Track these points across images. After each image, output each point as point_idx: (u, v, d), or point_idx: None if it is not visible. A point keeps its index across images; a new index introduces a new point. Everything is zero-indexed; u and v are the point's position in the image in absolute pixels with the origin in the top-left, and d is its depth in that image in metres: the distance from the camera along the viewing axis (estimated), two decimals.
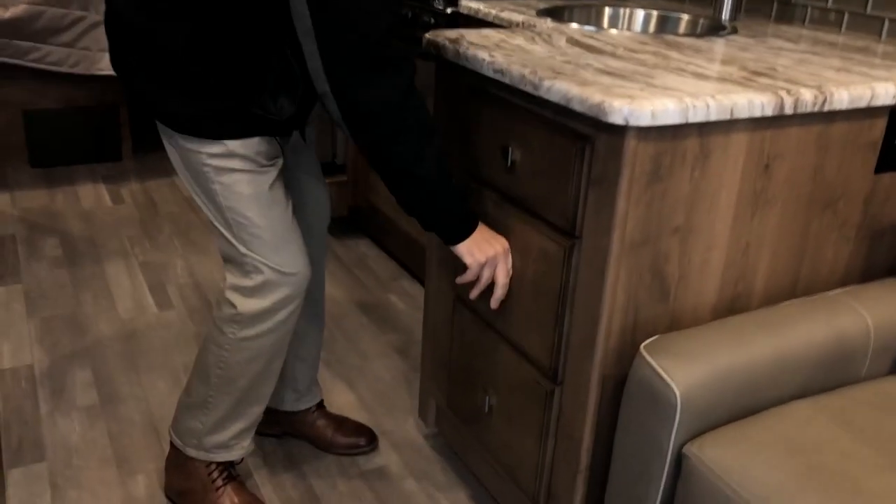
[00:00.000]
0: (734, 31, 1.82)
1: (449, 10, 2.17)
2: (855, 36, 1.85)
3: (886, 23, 1.80)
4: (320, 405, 1.92)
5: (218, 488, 1.67)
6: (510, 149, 1.38)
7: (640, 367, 1.22)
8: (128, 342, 2.30)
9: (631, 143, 1.16)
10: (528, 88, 1.29)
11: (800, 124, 1.30)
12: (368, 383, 2.18)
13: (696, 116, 1.16)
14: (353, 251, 2.94)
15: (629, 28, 2.08)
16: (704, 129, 1.21)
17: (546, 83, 1.25)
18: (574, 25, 1.76)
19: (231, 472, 1.69)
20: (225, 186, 1.44)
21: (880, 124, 1.39)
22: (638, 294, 1.28)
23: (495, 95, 1.44)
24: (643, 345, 1.24)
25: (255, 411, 1.64)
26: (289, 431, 1.92)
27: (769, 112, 1.23)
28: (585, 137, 1.23)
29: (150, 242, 2.93)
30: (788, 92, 1.24)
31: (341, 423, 1.92)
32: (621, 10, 2.09)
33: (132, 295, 2.56)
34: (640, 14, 2.08)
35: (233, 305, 1.50)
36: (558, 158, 1.28)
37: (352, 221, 3.06)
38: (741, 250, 1.35)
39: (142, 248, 2.89)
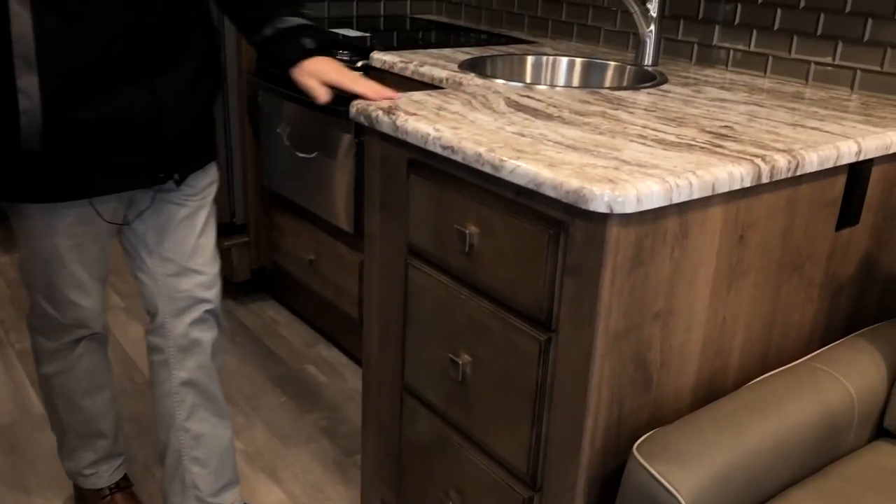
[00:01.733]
0: (664, 79, 1.76)
1: (360, 64, 2.01)
2: (781, 80, 1.83)
3: (812, 67, 1.78)
4: None
5: (104, 496, 1.76)
6: (467, 232, 1.24)
7: (636, 473, 1.10)
8: (10, 454, 2.00)
9: (613, 231, 1.05)
10: (488, 169, 1.16)
11: (771, 190, 1.23)
12: (296, 475, 1.97)
13: (680, 196, 1.06)
14: (261, 317, 2.72)
15: (554, 79, 1.99)
16: (684, 208, 1.11)
17: (508, 165, 1.12)
18: (501, 82, 1.65)
19: (120, 482, 1.78)
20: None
21: (841, 181, 1.34)
22: (622, 387, 1.16)
23: (443, 172, 1.29)
24: (636, 447, 1.12)
25: (101, 445, 1.71)
26: None
27: (748, 183, 1.15)
28: (558, 223, 1.10)
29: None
30: (764, 160, 1.16)
31: None
32: (543, 59, 2.00)
33: (11, 393, 2.25)
34: (562, 63, 1.99)
35: (32, 339, 1.60)
36: (526, 244, 1.15)
37: (256, 284, 2.83)
38: (718, 326, 1.26)
39: (18, 333, 2.55)
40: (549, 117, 1.36)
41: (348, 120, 2.08)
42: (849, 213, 1.39)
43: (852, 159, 1.30)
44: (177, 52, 1.35)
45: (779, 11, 1.82)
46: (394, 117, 1.34)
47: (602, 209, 1.01)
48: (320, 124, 2.19)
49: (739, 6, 1.89)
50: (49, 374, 1.61)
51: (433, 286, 1.35)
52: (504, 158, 1.13)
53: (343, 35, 2.24)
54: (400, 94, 1.47)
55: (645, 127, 1.33)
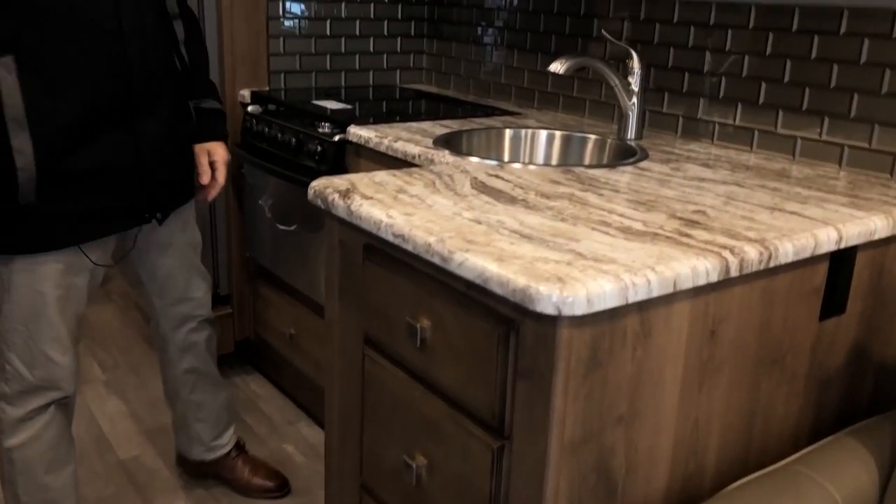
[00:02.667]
0: (645, 154, 1.70)
1: (337, 138, 1.97)
2: (768, 155, 1.77)
3: (799, 142, 1.72)
4: (241, 450, 2.10)
5: None
6: (418, 326, 1.17)
7: None
8: None
9: (564, 333, 0.97)
10: (437, 260, 1.09)
11: (744, 282, 1.15)
12: None
13: (637, 295, 0.99)
14: (243, 391, 2.64)
15: (533, 153, 1.93)
16: (644, 305, 1.03)
17: (457, 257, 1.05)
18: (475, 160, 1.59)
19: None
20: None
21: (822, 269, 1.26)
22: (582, 499, 1.07)
23: (397, 259, 1.23)
24: None
25: None
26: (213, 476, 2.10)
27: (714, 278, 1.07)
28: (508, 321, 1.03)
29: None
30: (732, 252, 1.09)
31: (257, 467, 2.10)
32: (522, 133, 1.95)
33: None
34: (541, 136, 1.94)
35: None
36: (478, 342, 1.08)
37: (240, 356, 2.76)
38: (690, 427, 1.17)
39: None
40: (512, 201, 1.30)
41: None
42: (833, 301, 1.30)
43: (832, 248, 1.22)
44: (151, 100, 1.52)
45: (763, 86, 1.76)
46: (349, 201, 1.28)
47: (550, 311, 0.94)
48: (300, 197, 2.14)
49: (724, 80, 1.84)
50: (12, 446, 1.60)
51: (389, 380, 1.27)
52: (452, 250, 1.06)
53: (323, 107, 2.21)
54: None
55: (612, 212, 1.26)
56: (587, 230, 1.15)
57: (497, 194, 1.34)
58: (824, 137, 1.67)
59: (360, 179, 1.41)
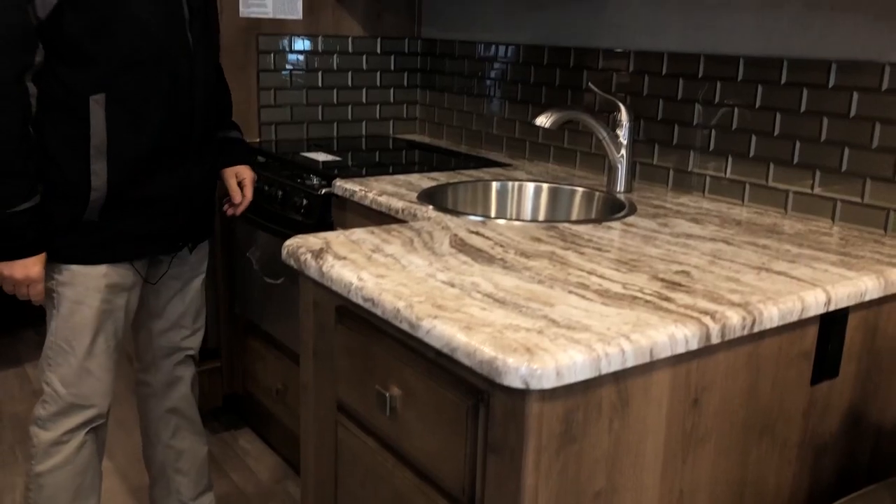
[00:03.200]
0: (633, 209, 1.67)
1: (323, 192, 1.95)
2: (760, 209, 1.73)
3: (791, 196, 1.68)
4: None
5: None
6: (387, 394, 1.12)
7: None
8: None
9: (534, 407, 0.92)
10: (405, 327, 1.05)
11: (728, 349, 1.10)
12: None
13: (610, 366, 0.94)
14: (231, 447, 2.57)
15: (520, 207, 1.90)
16: (621, 376, 0.99)
17: (425, 324, 1.01)
18: (458, 216, 1.56)
19: None
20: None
21: (812, 332, 1.21)
22: None
23: (368, 323, 1.19)
24: None
25: None
26: None
27: (694, 345, 1.02)
28: (478, 392, 0.98)
29: None
30: (713, 317, 1.04)
31: None
32: (509, 186, 1.92)
33: None
34: (529, 189, 1.91)
35: (31, 438, 1.70)
36: (447, 414, 1.03)
37: (229, 411, 2.70)
38: (675, 500, 1.11)
39: None
40: (490, 260, 1.26)
41: None
42: (825, 364, 1.25)
43: (821, 311, 1.17)
44: (203, 143, 1.75)
45: (753, 138, 1.73)
46: (321, 262, 1.24)
47: (518, 384, 0.89)
48: None
49: (714, 132, 1.81)
50: (42, 472, 1.70)
51: (361, 450, 1.22)
52: (420, 317, 1.02)
53: (312, 159, 2.19)
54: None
55: (591, 273, 1.22)
56: (563, 293, 1.11)
57: (475, 253, 1.30)
58: (816, 191, 1.63)
59: (335, 238, 1.37)
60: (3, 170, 1.52)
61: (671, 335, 0.99)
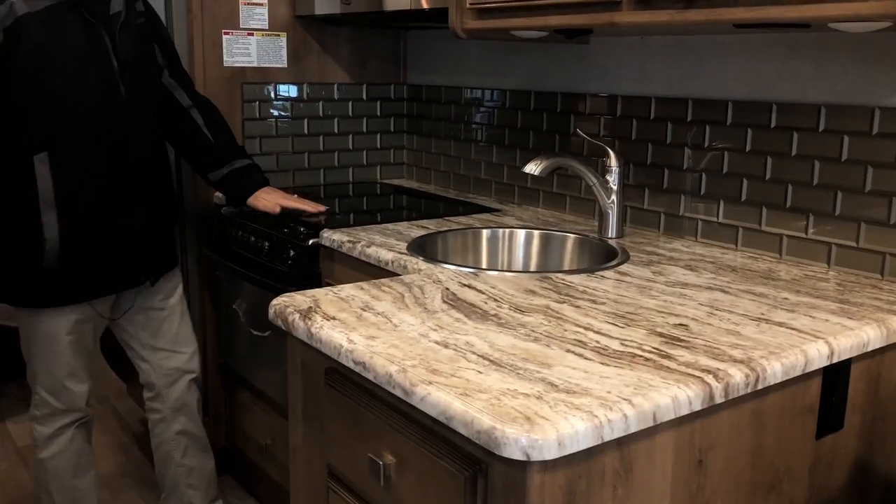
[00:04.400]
0: (626, 256, 1.64)
1: (310, 242, 1.92)
2: (754, 253, 1.71)
3: (785, 240, 1.66)
4: None
5: None
6: (381, 463, 1.08)
7: None
8: None
9: (535, 479, 0.88)
10: (399, 393, 1.01)
11: (731, 406, 1.07)
12: None
13: (613, 433, 0.91)
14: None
15: (511, 254, 1.87)
16: (624, 441, 0.95)
17: (419, 391, 0.97)
18: (450, 267, 1.53)
19: None
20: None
21: (815, 385, 1.18)
22: None
23: (360, 387, 1.15)
24: None
25: None
26: None
27: (697, 406, 0.99)
28: (476, 462, 0.94)
29: None
30: (716, 376, 1.01)
31: None
32: (500, 233, 1.89)
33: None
34: (520, 236, 1.89)
35: (33, 431, 1.92)
36: (444, 485, 0.98)
37: (217, 465, 2.63)
38: None
39: None
40: (483, 317, 1.23)
41: None
42: (829, 418, 1.22)
43: (824, 363, 1.14)
44: (144, 190, 1.83)
45: (745, 182, 1.72)
46: (310, 323, 1.21)
47: (518, 456, 0.85)
48: None
49: (704, 176, 1.80)
50: (45, 458, 1.94)
51: None
52: (414, 383, 0.98)
53: (301, 209, 2.16)
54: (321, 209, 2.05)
55: (588, 328, 1.18)
56: (561, 352, 1.08)
57: (468, 309, 1.27)
58: (811, 235, 1.62)
59: (324, 296, 1.34)
60: None
61: (674, 397, 0.96)
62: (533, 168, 1.73)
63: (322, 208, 2.06)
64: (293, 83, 2.45)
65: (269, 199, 2.06)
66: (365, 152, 2.66)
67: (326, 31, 2.46)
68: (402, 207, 2.27)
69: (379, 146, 2.68)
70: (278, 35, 2.37)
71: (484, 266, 1.89)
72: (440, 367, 1.02)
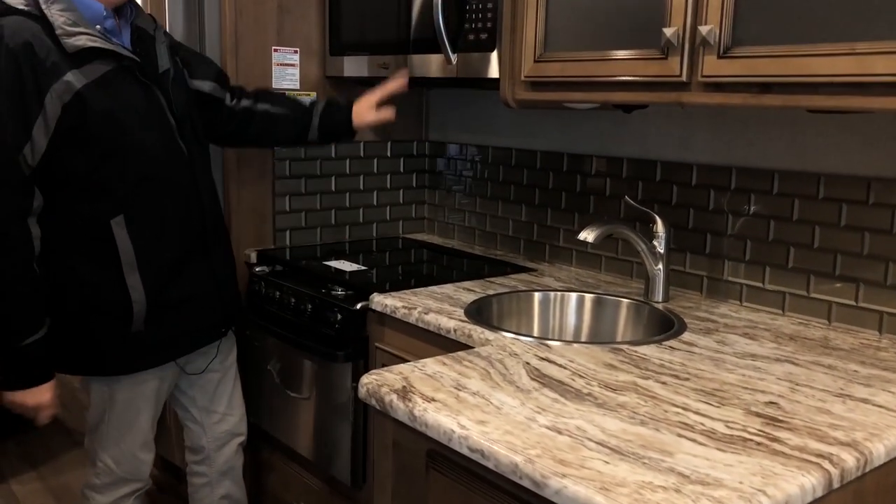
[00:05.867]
0: (682, 325, 1.68)
1: (359, 306, 1.92)
2: (802, 319, 1.76)
3: (834, 307, 1.72)
4: None
5: None
6: None
7: None
8: None
9: None
10: (527, 484, 1.02)
11: (840, 490, 1.10)
12: None
13: None
14: None
15: (564, 320, 1.90)
16: None
17: (553, 483, 0.98)
18: (515, 337, 1.55)
19: None
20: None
21: None
22: None
23: (472, 472, 1.15)
24: None
25: None
26: None
27: (819, 493, 1.02)
28: None
29: None
30: (832, 462, 1.04)
31: None
32: (551, 296, 1.92)
33: None
34: (571, 300, 1.92)
35: (88, 499, 1.87)
36: None
37: None
38: None
39: None
40: (578, 396, 1.25)
41: (345, 362, 1.97)
42: None
43: None
44: (218, 238, 1.88)
45: (791, 250, 1.77)
46: (411, 405, 1.21)
47: None
48: (316, 365, 2.06)
49: (749, 242, 1.85)
50: None
51: None
52: (546, 475, 1.00)
53: (338, 269, 2.17)
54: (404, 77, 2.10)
55: (686, 408, 1.21)
56: (673, 437, 1.10)
57: (560, 388, 1.29)
58: (861, 304, 1.67)
59: (410, 372, 1.35)
60: (13, 306, 1.62)
61: (801, 486, 0.99)
62: (587, 235, 1.77)
63: (401, 79, 2.09)
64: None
65: (368, 113, 2.10)
66: (388, 208, 2.68)
67: (354, 90, 2.47)
68: (441, 265, 2.29)
69: (402, 201, 2.70)
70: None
71: (539, 331, 1.91)
72: (565, 457, 1.04)
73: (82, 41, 1.58)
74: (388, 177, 2.66)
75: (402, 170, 2.68)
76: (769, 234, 1.81)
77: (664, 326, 1.70)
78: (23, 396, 1.68)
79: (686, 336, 1.61)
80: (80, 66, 1.59)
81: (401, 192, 2.70)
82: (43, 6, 1.58)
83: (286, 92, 2.34)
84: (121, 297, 1.69)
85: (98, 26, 1.65)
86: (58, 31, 1.57)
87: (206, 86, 1.97)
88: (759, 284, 1.84)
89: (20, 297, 1.62)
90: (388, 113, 2.12)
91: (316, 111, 2.10)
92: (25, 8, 1.59)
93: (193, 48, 2.12)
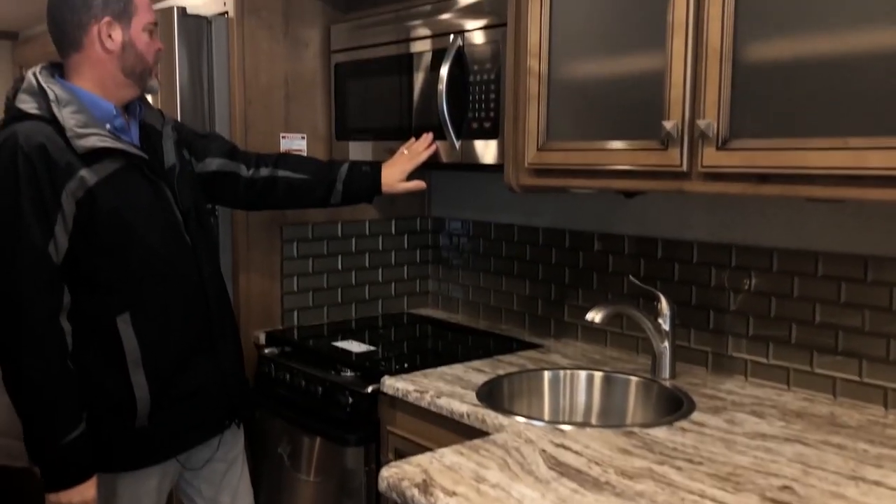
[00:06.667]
0: (691, 404, 1.71)
1: (370, 389, 1.94)
2: (808, 395, 1.79)
3: (839, 383, 1.75)
4: None
5: None
6: None
7: None
8: None
9: None
10: None
11: None
12: None
13: None
14: None
15: (574, 399, 1.93)
16: None
17: None
18: (528, 422, 1.57)
19: None
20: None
21: None
22: None
23: None
24: None
25: None
26: None
27: None
28: None
29: None
30: None
31: None
32: (560, 374, 1.95)
33: None
34: (581, 378, 1.95)
35: None
36: None
37: None
38: None
39: None
40: (597, 486, 1.27)
41: (357, 446, 1.98)
42: None
43: None
44: (224, 329, 1.87)
45: (794, 326, 1.82)
46: (433, 499, 1.23)
47: None
48: (327, 448, 2.07)
49: (751, 319, 1.89)
50: None
51: None
52: None
53: (346, 350, 2.20)
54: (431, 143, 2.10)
55: (703, 495, 1.24)
56: None
57: (577, 476, 1.31)
58: (865, 379, 1.71)
59: (429, 464, 1.37)
60: (50, 405, 1.60)
61: None
62: (594, 316, 1.81)
63: (428, 143, 2.09)
64: (329, 223, 2.52)
65: (400, 180, 2.10)
66: (393, 284, 2.72)
67: None
68: (448, 343, 2.32)
69: (406, 277, 2.75)
70: None
71: (550, 411, 1.94)
72: None
73: (92, 142, 1.62)
74: (393, 253, 2.71)
75: (406, 246, 2.73)
76: (771, 311, 1.86)
77: (674, 405, 1.73)
78: (68, 496, 1.63)
79: (696, 416, 1.64)
80: (91, 165, 1.63)
81: (405, 267, 2.74)
82: (55, 109, 1.62)
83: None
84: (125, 394, 1.68)
85: (108, 125, 1.69)
86: (68, 133, 1.61)
87: (213, 164, 2.00)
88: (764, 360, 1.88)
89: (58, 396, 1.61)
90: (421, 183, 2.13)
91: (339, 176, 2.09)
92: (38, 112, 1.62)
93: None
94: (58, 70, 1.72)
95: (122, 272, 1.68)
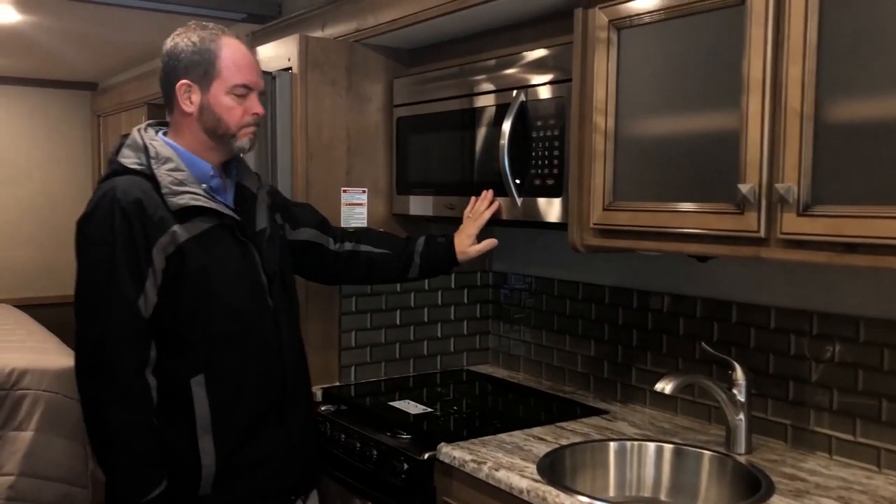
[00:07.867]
0: (770, 486, 1.58)
1: (426, 457, 1.87)
2: None
3: None
4: None
5: None
6: None
7: None
8: None
9: None
10: None
11: None
12: None
13: None
14: None
15: (641, 469, 1.82)
16: None
17: None
18: (584, 499, 1.47)
19: None
20: None
21: None
22: None
23: None
24: None
25: None
26: None
27: None
28: None
29: None
30: None
31: None
32: (627, 446, 1.84)
33: None
34: (649, 450, 1.83)
35: None
36: None
37: None
38: None
39: None
40: None
41: None
42: None
43: None
44: (298, 398, 1.81)
45: (884, 402, 1.67)
46: None
47: None
48: None
49: (835, 392, 1.75)
50: None
51: None
52: None
53: (402, 411, 2.13)
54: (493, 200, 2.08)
55: None
56: None
57: None
58: None
59: None
60: (137, 462, 1.60)
61: None
62: (665, 386, 1.70)
63: (489, 201, 2.06)
64: None
65: (470, 245, 2.07)
66: (452, 339, 2.65)
67: (419, 225, 2.51)
68: (509, 404, 2.23)
69: (465, 333, 2.68)
70: None
71: (616, 486, 1.82)
72: None
73: (185, 200, 1.64)
74: (452, 308, 2.64)
75: (465, 301, 2.67)
76: (857, 384, 1.72)
77: (750, 485, 1.61)
78: None
79: (775, 500, 1.51)
80: (183, 222, 1.65)
81: (465, 323, 2.68)
82: (153, 166, 1.66)
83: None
84: (191, 459, 1.64)
85: (204, 185, 1.71)
86: (163, 190, 1.64)
87: (306, 234, 2.02)
88: (850, 437, 1.73)
89: (143, 451, 1.61)
90: (493, 242, 2.10)
91: (416, 250, 2.09)
92: (138, 167, 1.67)
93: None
94: (164, 128, 1.77)
95: (201, 332, 1.67)
